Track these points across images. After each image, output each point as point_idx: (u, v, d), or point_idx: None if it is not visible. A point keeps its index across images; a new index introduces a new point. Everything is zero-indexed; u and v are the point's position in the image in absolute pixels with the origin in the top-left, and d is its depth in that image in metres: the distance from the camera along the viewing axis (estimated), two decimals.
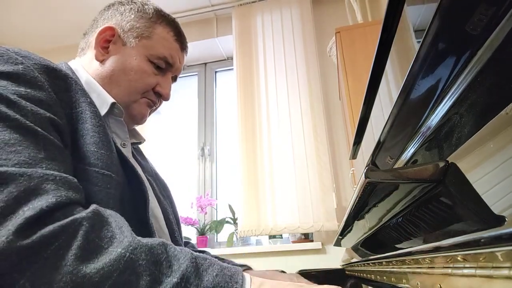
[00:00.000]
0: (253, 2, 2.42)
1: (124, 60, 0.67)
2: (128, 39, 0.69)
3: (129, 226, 0.43)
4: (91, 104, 0.56)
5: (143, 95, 0.70)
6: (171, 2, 2.44)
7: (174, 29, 0.73)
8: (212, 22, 2.59)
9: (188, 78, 2.75)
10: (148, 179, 0.73)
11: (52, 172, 0.41)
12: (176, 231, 0.73)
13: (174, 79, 0.78)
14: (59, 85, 0.53)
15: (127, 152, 0.68)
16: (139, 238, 0.41)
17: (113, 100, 0.64)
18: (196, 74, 2.72)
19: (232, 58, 2.39)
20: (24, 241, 0.33)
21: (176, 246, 0.43)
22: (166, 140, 2.65)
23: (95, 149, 0.52)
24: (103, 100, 0.64)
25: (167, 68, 0.72)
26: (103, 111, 0.63)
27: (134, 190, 0.59)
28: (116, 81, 0.67)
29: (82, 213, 0.39)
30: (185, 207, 2.17)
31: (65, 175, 0.42)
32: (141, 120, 0.73)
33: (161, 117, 2.70)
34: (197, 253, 0.43)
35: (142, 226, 0.57)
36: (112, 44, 0.69)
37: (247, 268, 0.76)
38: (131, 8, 0.71)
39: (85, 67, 0.69)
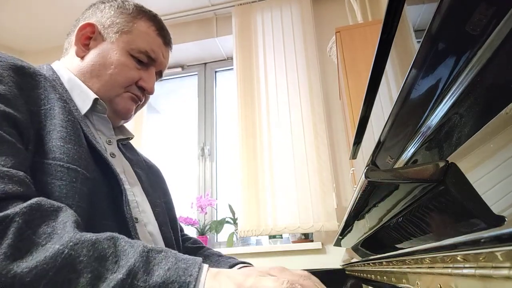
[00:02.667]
0: (253, 1, 2.42)
1: (105, 54, 0.67)
2: (108, 35, 0.68)
3: (80, 222, 0.41)
4: (61, 99, 0.56)
5: (126, 90, 0.69)
6: (171, 2, 2.43)
7: (156, 23, 0.73)
8: (212, 21, 2.59)
9: (188, 78, 2.75)
10: (137, 173, 0.72)
11: None
12: (165, 223, 0.72)
13: (160, 74, 0.78)
14: (27, 82, 0.53)
15: (112, 148, 0.68)
16: (83, 233, 0.39)
17: (95, 96, 0.64)
18: (196, 74, 2.71)
19: (232, 58, 2.39)
20: None
21: (130, 240, 0.41)
22: (166, 140, 2.65)
23: (62, 144, 0.51)
24: (86, 97, 0.64)
25: (149, 62, 0.72)
26: (85, 107, 0.63)
27: (112, 186, 0.58)
28: (97, 75, 0.67)
29: (16, 208, 0.37)
30: (185, 207, 2.17)
31: (5, 169, 0.40)
32: (126, 115, 0.72)
33: (161, 117, 2.70)
34: (153, 246, 0.41)
35: (120, 219, 0.56)
36: (92, 41, 0.69)
37: (244, 265, 0.72)
38: (111, 5, 0.71)
39: (67, 66, 0.69)
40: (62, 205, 0.43)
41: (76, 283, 0.34)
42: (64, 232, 0.37)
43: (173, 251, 0.42)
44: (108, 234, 0.40)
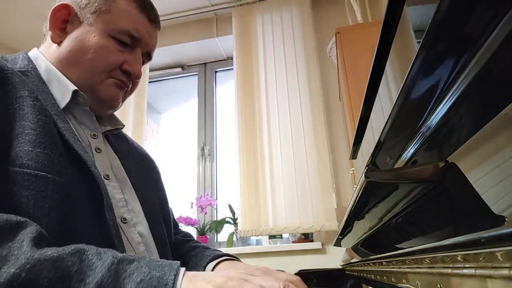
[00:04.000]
0: (253, 2, 2.42)
1: (82, 38, 0.61)
2: (85, 16, 0.62)
3: (43, 237, 0.38)
4: (31, 97, 0.51)
5: (109, 75, 0.63)
6: (171, 2, 2.43)
7: (137, 0, 0.66)
8: (212, 22, 2.59)
9: (188, 78, 2.75)
10: (127, 168, 0.67)
11: None
12: (157, 220, 0.67)
13: (148, 56, 0.71)
14: None
15: (97, 143, 0.63)
16: (43, 251, 0.35)
17: (74, 88, 0.59)
18: (196, 74, 2.71)
19: (232, 58, 2.39)
20: None
21: (99, 251, 0.38)
22: (166, 140, 2.65)
23: (30, 148, 0.46)
24: (65, 89, 0.59)
25: (134, 43, 0.65)
26: (65, 100, 0.58)
27: (92, 186, 0.53)
28: (75, 62, 0.61)
29: None
30: (185, 207, 2.17)
31: None
32: (112, 103, 0.66)
33: (161, 117, 2.70)
34: (125, 256, 0.38)
35: (102, 223, 0.52)
36: (69, 24, 0.62)
37: (230, 258, 0.67)
38: None
39: (45, 54, 0.63)
40: (23, 219, 0.39)
41: None
42: (20, 253, 0.34)
43: (146, 258, 0.39)
44: (73, 247, 0.37)
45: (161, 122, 2.76)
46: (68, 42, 0.62)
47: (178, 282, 0.36)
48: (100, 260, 0.36)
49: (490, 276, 0.21)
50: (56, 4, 0.63)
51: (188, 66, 2.72)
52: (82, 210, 0.51)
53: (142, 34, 0.66)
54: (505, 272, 0.19)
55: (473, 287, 0.24)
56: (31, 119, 0.48)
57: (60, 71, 0.61)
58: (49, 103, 0.55)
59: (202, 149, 2.46)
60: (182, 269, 0.39)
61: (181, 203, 2.20)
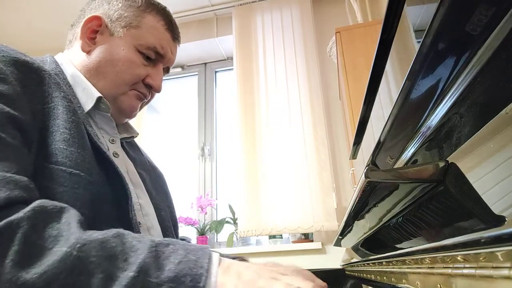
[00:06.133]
0: (253, 2, 2.42)
1: (112, 51, 0.65)
2: (116, 29, 0.65)
3: (84, 221, 0.41)
4: (66, 98, 0.54)
5: (132, 87, 0.67)
6: (171, 2, 2.43)
7: (165, 18, 0.70)
8: (212, 22, 2.59)
9: (188, 78, 2.75)
10: (141, 174, 0.70)
11: None
12: (169, 228, 0.70)
13: (167, 70, 0.75)
14: (31, 78, 0.51)
15: (115, 148, 0.66)
16: (90, 232, 0.38)
17: (99, 95, 0.62)
18: (196, 74, 2.71)
19: (232, 58, 2.39)
20: None
21: (136, 235, 0.40)
22: (166, 140, 2.65)
23: (64, 147, 0.49)
24: (89, 95, 0.62)
25: (157, 58, 0.69)
26: (88, 106, 0.61)
27: (115, 187, 0.55)
28: (103, 72, 0.64)
29: (20, 213, 0.36)
30: (185, 207, 2.17)
31: (10, 174, 0.39)
32: (131, 113, 0.69)
33: (161, 117, 2.70)
34: (161, 239, 0.40)
35: (125, 224, 0.54)
36: (99, 35, 0.66)
37: (241, 259, 0.71)
38: None
39: (72, 60, 0.66)
40: (65, 205, 0.42)
41: (87, 284, 0.34)
42: (69, 234, 0.36)
43: (180, 242, 0.41)
44: (114, 231, 0.39)
45: (161, 122, 2.76)
46: (98, 52, 0.65)
47: (214, 269, 0.38)
48: (140, 243, 0.38)
49: (490, 276, 0.21)
50: (90, 15, 0.66)
51: (188, 66, 2.72)
52: (107, 210, 0.53)
53: (166, 51, 0.70)
54: (505, 272, 0.19)
55: (473, 287, 0.24)
56: (65, 119, 0.51)
57: (87, 78, 0.64)
58: (77, 106, 0.57)
59: (202, 149, 2.46)
60: (216, 255, 0.40)
61: (181, 203, 2.19)
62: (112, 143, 0.66)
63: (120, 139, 0.70)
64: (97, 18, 0.66)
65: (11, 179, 0.39)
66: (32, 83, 0.51)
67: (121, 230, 0.40)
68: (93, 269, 0.35)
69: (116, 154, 0.65)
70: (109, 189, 0.54)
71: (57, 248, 0.35)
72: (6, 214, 0.35)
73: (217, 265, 0.39)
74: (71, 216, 0.40)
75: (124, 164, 0.66)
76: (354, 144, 0.76)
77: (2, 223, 0.34)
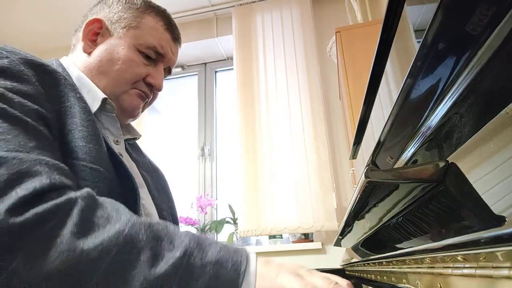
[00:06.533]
0: (253, 2, 2.42)
1: (112, 50, 0.66)
2: (116, 30, 0.68)
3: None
4: (81, 99, 0.56)
5: (133, 86, 0.68)
6: (171, 2, 2.43)
7: (164, 19, 0.72)
8: (212, 22, 2.59)
9: (188, 78, 2.75)
10: (143, 175, 0.72)
11: (44, 157, 0.40)
12: None
13: (168, 71, 0.77)
14: (47, 80, 0.53)
15: (120, 149, 0.67)
16: (136, 215, 0.41)
17: (104, 96, 0.63)
18: (196, 74, 2.71)
19: (232, 58, 2.39)
20: (16, 219, 0.32)
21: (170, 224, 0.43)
22: (166, 140, 2.65)
23: (84, 144, 0.51)
24: (94, 96, 0.63)
25: (158, 58, 0.71)
26: (94, 107, 0.62)
27: (124, 186, 0.57)
28: (104, 71, 0.66)
29: (77, 193, 0.38)
30: (185, 207, 2.17)
31: (57, 161, 0.41)
32: (133, 112, 0.71)
33: (161, 117, 2.70)
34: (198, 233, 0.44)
35: None
36: (100, 37, 0.68)
37: None
38: (118, 0, 0.70)
39: (75, 62, 0.68)
40: (105, 197, 0.44)
41: (137, 260, 0.36)
42: (120, 215, 0.39)
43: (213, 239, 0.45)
44: (157, 220, 0.42)
45: (161, 122, 2.76)
46: (98, 52, 0.67)
47: (253, 258, 0.41)
48: (182, 231, 0.42)
49: (490, 276, 0.21)
50: (91, 18, 0.69)
51: (188, 66, 2.72)
52: None
53: (166, 51, 0.71)
54: (505, 272, 0.19)
55: (473, 287, 0.24)
56: (82, 118, 0.54)
57: (90, 79, 0.65)
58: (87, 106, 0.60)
59: (202, 149, 2.46)
60: (253, 253, 0.43)
61: (181, 203, 2.19)
62: (116, 144, 0.67)
63: (125, 140, 0.72)
64: (98, 20, 0.68)
65: (58, 165, 0.41)
66: (49, 84, 0.53)
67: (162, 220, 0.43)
68: (143, 247, 0.37)
69: (120, 155, 0.66)
70: (121, 186, 0.57)
71: (111, 226, 0.37)
72: (63, 193, 0.38)
73: (255, 258, 0.42)
74: (117, 204, 0.42)
75: (128, 165, 0.67)
76: (354, 144, 0.76)
77: (63, 198, 0.36)
